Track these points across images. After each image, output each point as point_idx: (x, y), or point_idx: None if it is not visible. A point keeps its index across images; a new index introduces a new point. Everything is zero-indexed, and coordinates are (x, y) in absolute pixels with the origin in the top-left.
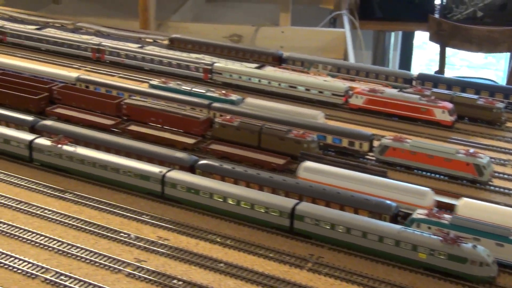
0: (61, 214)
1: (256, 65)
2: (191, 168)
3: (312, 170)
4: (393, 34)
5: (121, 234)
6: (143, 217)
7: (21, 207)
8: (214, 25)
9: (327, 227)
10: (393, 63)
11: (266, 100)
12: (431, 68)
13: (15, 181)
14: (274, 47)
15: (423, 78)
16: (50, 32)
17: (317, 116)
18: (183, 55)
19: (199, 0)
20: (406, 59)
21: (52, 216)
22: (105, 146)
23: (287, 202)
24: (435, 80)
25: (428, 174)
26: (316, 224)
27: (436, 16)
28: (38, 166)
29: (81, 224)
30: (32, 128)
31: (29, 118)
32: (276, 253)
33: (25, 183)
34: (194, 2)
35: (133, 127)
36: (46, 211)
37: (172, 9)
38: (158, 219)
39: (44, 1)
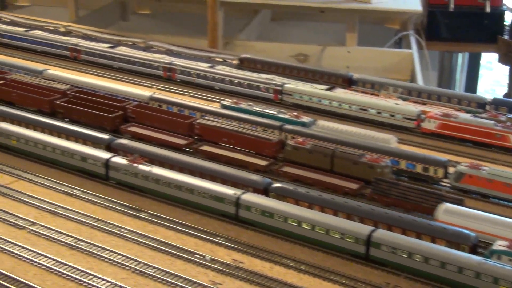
0: (137, 233)
1: (326, 86)
2: (265, 191)
3: (453, 213)
4: (460, 55)
5: (196, 255)
6: (218, 239)
7: (98, 225)
8: (280, 43)
9: (404, 255)
10: (460, 85)
11: (337, 123)
12: (496, 90)
13: (92, 199)
14: (340, 67)
15: (497, 103)
16: (123, 50)
17: (390, 140)
18: (253, 76)
19: (265, 19)
20: (472, 81)
21: (128, 235)
22: (179, 166)
23: (363, 229)
24: (510, 105)
25: (505, 203)
26: (393, 252)
27: (506, 37)
28: (114, 184)
29: (157, 244)
30: (108, 147)
31: (105, 136)
32: (351, 280)
33: (102, 201)
34: (260, 21)
35: (206, 147)
36: (122, 229)
37: (238, 28)
38: (232, 242)
39: (112, 18)
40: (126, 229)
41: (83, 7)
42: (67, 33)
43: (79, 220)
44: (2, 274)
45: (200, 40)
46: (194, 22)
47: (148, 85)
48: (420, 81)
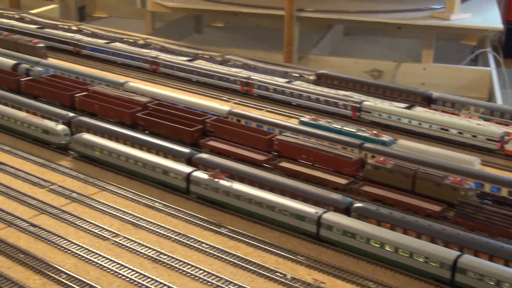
0: (218, 248)
1: (405, 104)
2: (346, 210)
3: None
4: None
5: (277, 273)
6: (298, 258)
7: (180, 239)
8: (353, 59)
9: (492, 283)
10: None
11: (418, 142)
12: None
13: (173, 212)
14: (415, 84)
15: None
16: (201, 64)
17: (473, 162)
18: (331, 92)
19: (338, 34)
20: None
21: (210, 250)
22: (260, 182)
23: (449, 253)
24: None
25: None
26: (480, 279)
27: None
28: (194, 198)
29: (238, 261)
30: (189, 160)
31: (186, 150)
32: None
33: (182, 215)
34: (333, 36)
35: (285, 164)
36: (203, 244)
37: (312, 43)
38: (313, 261)
39: (187, 31)
40: (207, 244)
41: (159, 19)
42: (146, 45)
43: (161, 233)
44: (88, 284)
45: (275, 54)
46: (268, 36)
47: (226, 99)
48: (498, 100)
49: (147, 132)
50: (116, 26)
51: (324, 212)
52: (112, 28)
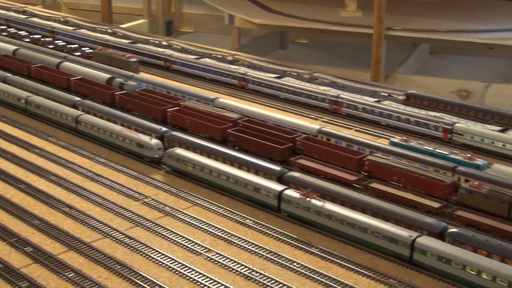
0: (309, 268)
1: (498, 127)
2: (440, 235)
3: None
4: None
5: None
6: (390, 281)
7: (271, 257)
8: (440, 78)
9: None
10: None
11: None
12: None
13: (264, 230)
14: (506, 105)
15: None
16: (289, 81)
17: None
18: (421, 113)
19: (423, 53)
20: None
21: (301, 269)
22: (351, 203)
23: None
24: None
25: None
26: None
27: None
28: (285, 216)
29: (329, 281)
30: (280, 178)
31: (277, 168)
32: None
33: (274, 233)
34: (419, 54)
35: (375, 185)
36: (294, 263)
37: (398, 61)
38: (406, 285)
39: (272, 47)
40: (298, 263)
41: (245, 35)
42: (234, 61)
43: (252, 251)
44: None
45: (361, 73)
46: (353, 53)
47: (314, 117)
48: None
49: (237, 148)
50: (202, 40)
51: (418, 236)
52: (198, 42)
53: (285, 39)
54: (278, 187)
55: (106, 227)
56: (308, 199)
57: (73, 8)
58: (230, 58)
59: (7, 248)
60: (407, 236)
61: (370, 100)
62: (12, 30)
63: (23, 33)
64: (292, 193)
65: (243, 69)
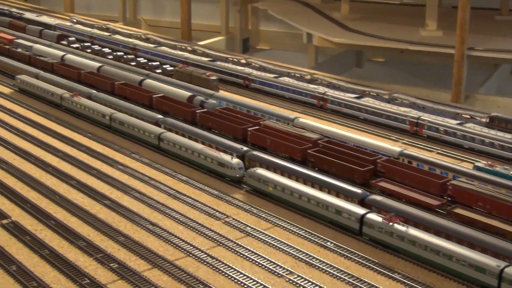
0: None
1: None
2: None
3: None
4: None
5: None
6: None
7: (353, 281)
8: None
9: None
10: None
11: None
12: None
13: (345, 253)
14: None
15: None
16: (369, 101)
17: None
18: (506, 136)
19: (504, 73)
20: None
21: None
22: (435, 229)
23: None
24: None
25: None
26: None
27: None
28: (366, 240)
29: None
30: (361, 201)
31: (358, 190)
32: None
33: (355, 257)
34: (499, 75)
35: (460, 210)
36: None
37: (479, 82)
38: None
39: (348, 65)
40: None
41: (321, 53)
42: (313, 80)
43: (334, 274)
44: None
45: (441, 93)
46: (431, 73)
47: (394, 138)
48: None
49: (317, 169)
50: (278, 57)
51: (507, 266)
52: (274, 59)
53: (362, 57)
54: (360, 210)
55: (188, 245)
56: (391, 223)
57: (152, 25)
58: (308, 77)
59: (94, 264)
60: (495, 266)
61: (452, 122)
62: (96, 47)
63: (106, 50)
64: (374, 217)
65: (322, 89)
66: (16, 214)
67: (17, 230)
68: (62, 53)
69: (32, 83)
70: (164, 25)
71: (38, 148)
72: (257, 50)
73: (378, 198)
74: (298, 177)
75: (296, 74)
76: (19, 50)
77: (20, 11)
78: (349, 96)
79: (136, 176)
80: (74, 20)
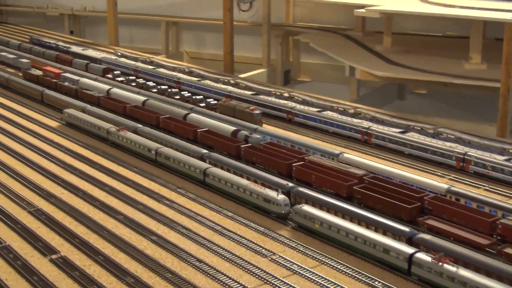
0: None
1: None
2: None
3: None
4: None
5: None
6: None
7: None
8: None
9: None
10: None
11: None
12: None
13: None
14: None
15: None
16: (413, 136)
17: None
18: None
19: None
20: None
21: None
22: (486, 269)
23: None
24: None
25: None
26: None
27: None
28: (415, 280)
29: None
30: (409, 240)
31: (406, 229)
32: None
33: None
34: None
35: (511, 250)
36: None
37: None
38: None
39: (390, 97)
40: None
41: (363, 85)
42: (356, 114)
43: None
44: None
45: (486, 127)
46: (475, 105)
47: (440, 174)
48: None
49: (362, 205)
50: (319, 89)
51: None
52: (315, 91)
53: (404, 90)
54: (408, 249)
55: (235, 283)
56: (440, 263)
57: (194, 57)
58: (352, 111)
59: None
60: None
61: (499, 158)
62: (141, 80)
63: (151, 83)
64: (423, 256)
65: (366, 123)
66: (65, 249)
67: (66, 266)
68: (108, 87)
69: (79, 117)
70: (206, 57)
71: (86, 182)
72: (298, 82)
73: (427, 236)
74: (344, 214)
75: (339, 108)
76: (66, 83)
77: (67, 45)
78: (393, 131)
79: (182, 211)
80: (119, 54)
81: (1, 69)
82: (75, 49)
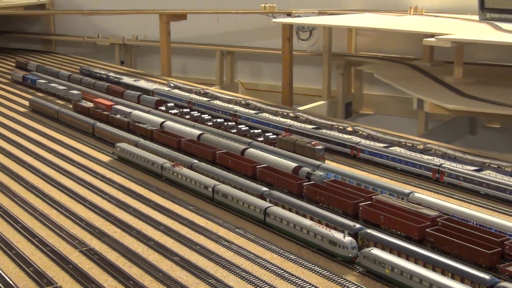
0: None
1: None
2: None
3: None
4: None
5: None
6: None
7: None
8: None
9: None
10: None
11: None
12: None
13: None
14: None
15: None
16: (490, 175)
17: None
18: None
19: None
20: None
21: None
22: None
23: None
24: None
25: None
26: None
27: None
28: None
29: None
30: None
31: (486, 276)
32: None
33: None
34: None
35: None
36: None
37: None
38: None
39: (461, 132)
40: None
41: (431, 119)
42: (426, 150)
43: None
44: None
45: None
46: None
47: None
48: None
49: (436, 249)
50: (383, 123)
51: None
52: (379, 125)
53: (476, 124)
54: None
55: None
56: None
57: (250, 89)
58: (421, 146)
59: None
60: None
61: None
62: (195, 113)
63: (206, 116)
64: None
65: (437, 160)
66: None
67: None
68: (161, 120)
69: (132, 151)
70: (262, 89)
71: (139, 220)
72: (361, 115)
73: (509, 285)
74: (417, 258)
75: (407, 144)
76: (118, 116)
77: (118, 76)
78: (467, 168)
79: (241, 253)
80: (172, 85)
81: (51, 101)
82: (126, 80)
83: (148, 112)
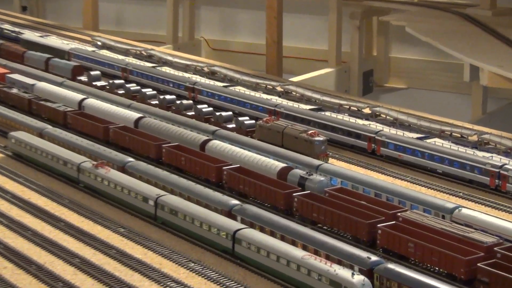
0: None
1: None
2: None
3: None
4: None
5: None
6: None
7: None
8: None
9: None
10: None
11: None
12: None
13: None
14: None
15: None
16: None
17: None
18: None
19: None
20: None
21: None
22: None
23: None
24: None
25: None
26: None
27: None
28: None
29: None
30: None
31: None
32: None
33: None
34: None
35: None
36: None
37: None
38: None
39: None
40: None
41: (493, 96)
42: (481, 144)
43: None
44: None
45: None
46: None
47: None
48: None
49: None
50: (419, 103)
51: None
52: (415, 106)
53: None
54: None
55: None
56: None
57: (218, 49)
58: (474, 137)
59: None
60: None
61: None
62: (133, 86)
63: (148, 91)
64: None
65: (497, 158)
66: None
67: None
68: (80, 97)
69: (34, 144)
70: (237, 49)
71: (42, 250)
72: (386, 89)
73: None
74: None
75: (454, 134)
76: (14, 91)
77: (16, 29)
78: None
79: None
80: (99, 43)
81: None
82: (29, 35)
83: (60, 84)
